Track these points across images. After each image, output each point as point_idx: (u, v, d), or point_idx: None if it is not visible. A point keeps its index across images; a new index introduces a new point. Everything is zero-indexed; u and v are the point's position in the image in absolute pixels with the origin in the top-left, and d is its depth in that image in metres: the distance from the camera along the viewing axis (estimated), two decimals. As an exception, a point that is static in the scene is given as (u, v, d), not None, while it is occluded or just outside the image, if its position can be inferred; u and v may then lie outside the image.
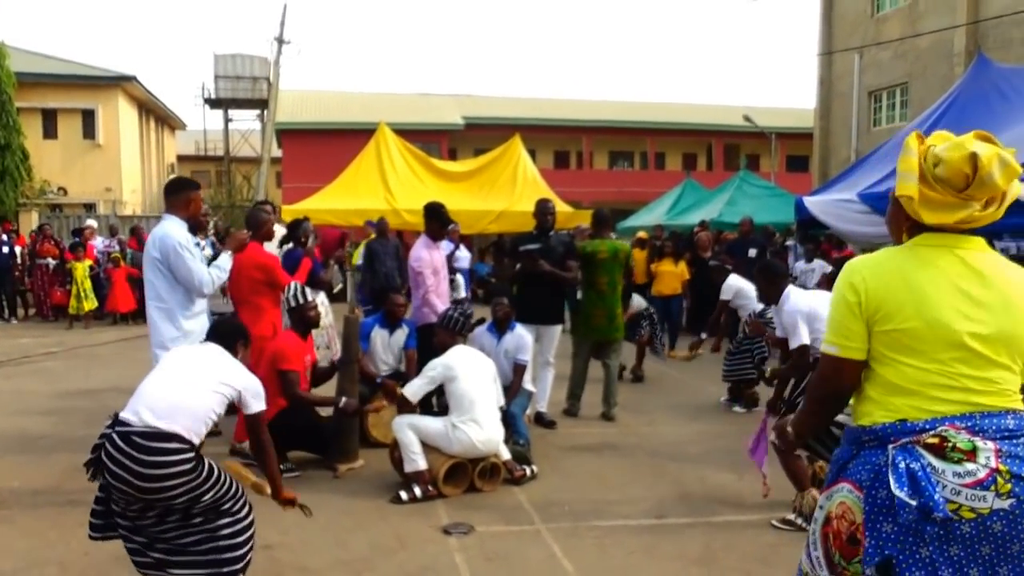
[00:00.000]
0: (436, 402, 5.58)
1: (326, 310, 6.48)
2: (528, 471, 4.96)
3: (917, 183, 1.87)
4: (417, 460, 4.60)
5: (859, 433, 1.95)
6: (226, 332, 3.46)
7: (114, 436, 2.91)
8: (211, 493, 2.94)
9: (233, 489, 3.05)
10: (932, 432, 1.81)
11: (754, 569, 3.71)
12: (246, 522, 3.07)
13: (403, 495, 4.53)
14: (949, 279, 1.87)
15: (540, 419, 6.35)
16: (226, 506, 3.00)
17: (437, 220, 5.95)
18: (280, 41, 22.59)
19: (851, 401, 2.04)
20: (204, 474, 2.92)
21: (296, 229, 6.54)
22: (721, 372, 7.32)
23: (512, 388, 5.60)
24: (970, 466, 1.76)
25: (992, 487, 1.74)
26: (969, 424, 1.81)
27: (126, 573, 3.53)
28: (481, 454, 4.72)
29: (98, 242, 14.09)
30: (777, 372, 4.98)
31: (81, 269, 12.59)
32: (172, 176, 5.99)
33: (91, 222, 15.58)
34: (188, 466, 2.88)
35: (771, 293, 4.76)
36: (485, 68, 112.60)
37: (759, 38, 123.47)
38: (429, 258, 5.82)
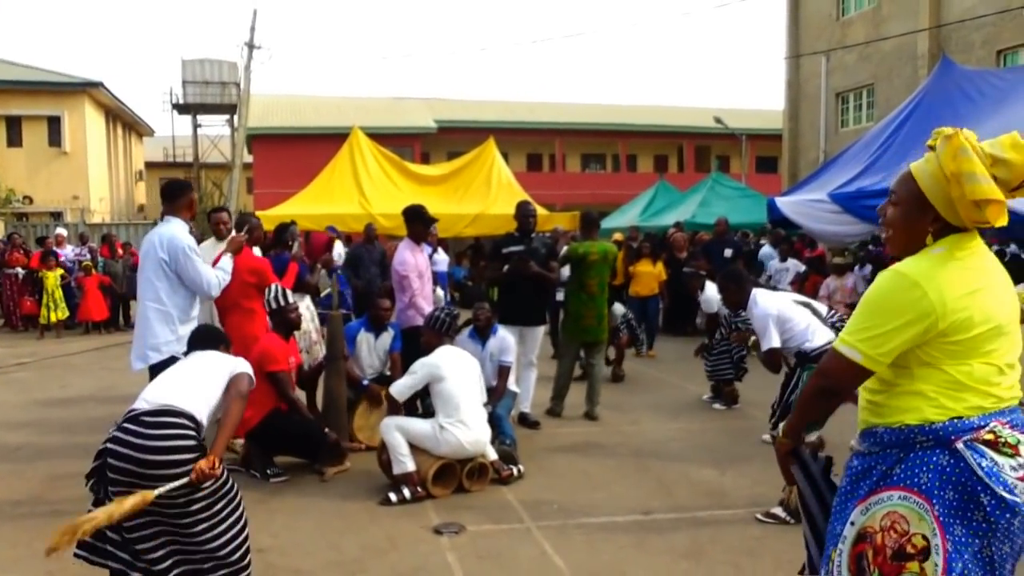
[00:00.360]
0: (421, 404, 5.60)
1: (312, 314, 6.46)
2: (515, 471, 5.00)
3: (992, 183, 1.79)
4: (405, 462, 4.62)
5: (908, 433, 1.84)
6: (208, 338, 3.52)
7: (121, 425, 2.94)
8: (213, 482, 2.92)
9: (232, 491, 3.05)
10: (987, 428, 1.79)
11: (742, 561, 3.78)
12: (238, 528, 3.04)
13: (392, 497, 4.54)
14: (989, 280, 1.88)
15: (524, 420, 6.39)
16: (219, 506, 2.97)
17: (420, 222, 5.97)
18: (251, 46, 22.40)
19: (867, 400, 1.97)
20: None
21: (283, 233, 6.53)
22: (704, 371, 7.45)
23: (497, 390, 5.65)
24: (1020, 459, 1.77)
25: None
26: (1010, 420, 1.82)
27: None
28: (469, 455, 4.75)
29: (68, 250, 13.88)
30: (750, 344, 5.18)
31: (52, 278, 12.39)
32: (168, 180, 5.90)
33: (60, 230, 15.33)
34: (192, 443, 2.91)
35: (737, 298, 4.84)
36: (457, 72, 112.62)
37: (728, 41, 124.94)
38: (414, 261, 5.84)
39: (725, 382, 7.17)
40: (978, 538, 1.73)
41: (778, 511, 4.26)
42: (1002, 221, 1.79)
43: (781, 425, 2.27)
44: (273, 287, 5.26)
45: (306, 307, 6.17)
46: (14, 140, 25.80)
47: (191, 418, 2.96)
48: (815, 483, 2.15)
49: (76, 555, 3.03)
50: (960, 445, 1.76)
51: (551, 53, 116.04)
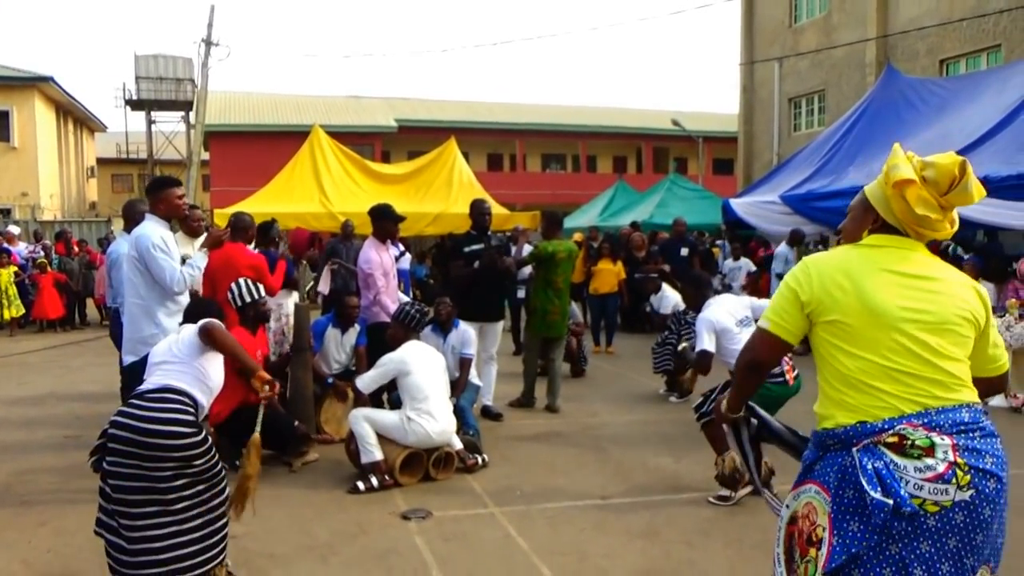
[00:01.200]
0: (387, 398, 5.75)
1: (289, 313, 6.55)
2: (480, 460, 5.17)
3: (910, 169, 2.00)
4: (373, 451, 4.76)
5: (823, 437, 2.03)
6: (200, 312, 3.64)
7: (125, 404, 3.13)
8: (203, 460, 3.06)
9: (220, 475, 3.19)
10: (891, 431, 1.89)
11: (694, 540, 4.02)
12: (216, 514, 3.16)
13: (360, 485, 4.68)
14: (892, 273, 1.99)
15: (487, 412, 6.56)
16: (201, 487, 3.09)
17: (389, 220, 6.10)
18: (208, 43, 22.15)
19: (815, 408, 2.12)
20: (203, 436, 3.10)
21: (268, 231, 6.62)
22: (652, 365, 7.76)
23: (459, 382, 5.82)
24: (929, 461, 1.84)
25: (952, 480, 1.82)
26: (925, 421, 1.89)
27: (90, 567, 3.62)
28: (436, 444, 4.91)
29: (22, 248, 13.64)
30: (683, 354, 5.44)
31: (5, 275, 12.18)
32: (155, 176, 5.83)
33: (13, 228, 15.03)
34: (190, 418, 3.10)
35: (696, 301, 5.02)
36: (418, 72, 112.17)
37: (685, 46, 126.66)
38: (379, 259, 5.96)
39: (679, 372, 7.46)
40: (876, 535, 1.84)
41: (724, 493, 4.52)
42: (923, 210, 1.97)
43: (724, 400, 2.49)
44: (241, 282, 5.28)
45: (294, 303, 6.26)
46: (-39, 135, 25.13)
47: (190, 396, 3.18)
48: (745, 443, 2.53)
49: (95, 531, 3.16)
50: (855, 450, 1.90)
51: (512, 55, 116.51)
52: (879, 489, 1.82)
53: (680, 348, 5.42)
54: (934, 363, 1.93)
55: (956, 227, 2.05)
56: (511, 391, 7.16)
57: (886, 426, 1.90)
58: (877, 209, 2.08)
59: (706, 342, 4.66)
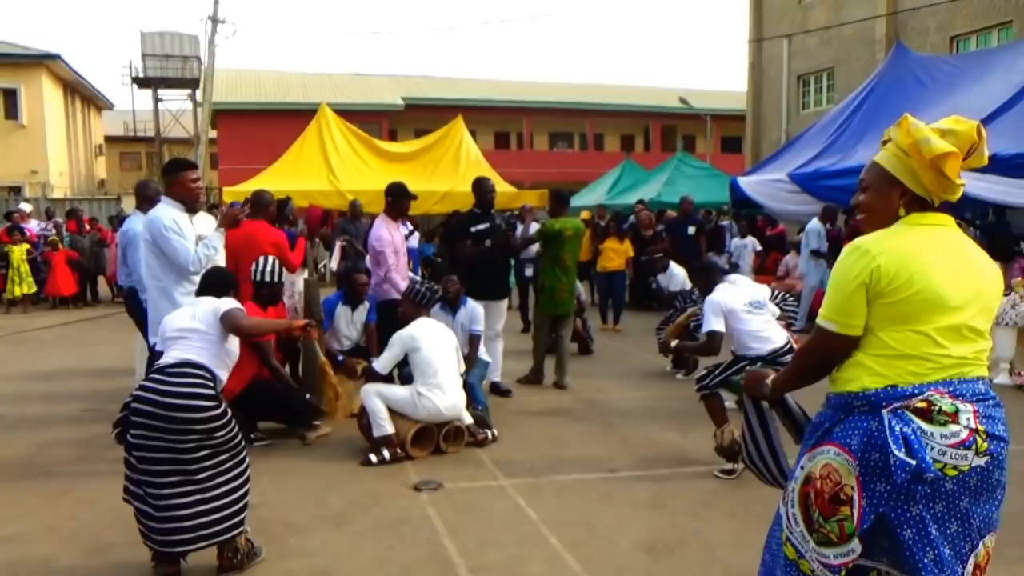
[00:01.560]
0: (398, 374, 5.83)
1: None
2: (489, 434, 5.27)
3: (944, 141, 1.99)
4: (385, 426, 4.86)
5: (847, 399, 2.05)
6: (216, 283, 3.77)
7: (147, 378, 3.23)
8: (224, 431, 3.19)
9: (240, 445, 3.31)
10: (920, 397, 1.95)
11: (699, 511, 4.11)
12: (238, 482, 3.28)
13: (372, 458, 4.79)
14: (949, 256, 2.04)
15: (496, 389, 6.65)
16: (223, 457, 3.21)
17: (408, 198, 6.17)
18: (214, 20, 22.10)
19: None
20: (222, 409, 3.22)
21: (282, 209, 6.69)
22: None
23: (468, 358, 5.89)
24: (954, 428, 1.92)
25: (972, 446, 1.92)
26: (951, 389, 1.97)
27: (113, 533, 3.74)
28: (446, 419, 5.01)
29: (33, 225, 13.75)
30: (681, 347, 5.49)
31: (18, 253, 12.30)
32: (171, 159, 5.84)
33: (25, 206, 15.14)
34: (211, 391, 3.21)
35: (708, 288, 5.01)
36: (425, 50, 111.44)
37: (694, 23, 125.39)
38: (390, 237, 6.02)
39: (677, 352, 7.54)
40: (901, 495, 1.92)
41: (729, 466, 4.61)
42: (956, 178, 2.02)
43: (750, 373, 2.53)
44: (269, 259, 5.33)
45: (303, 279, 6.37)
46: (-31, 113, 25.21)
47: (209, 370, 3.29)
48: (764, 424, 2.54)
49: (124, 499, 3.30)
50: (885, 412, 1.95)
51: (519, 32, 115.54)
52: (903, 450, 1.89)
53: (674, 345, 5.42)
54: (971, 341, 2.02)
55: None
56: (519, 368, 7.25)
57: (915, 391, 1.96)
58: (904, 182, 2.07)
59: (714, 323, 4.70)
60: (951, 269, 2.01)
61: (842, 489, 1.98)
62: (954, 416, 1.92)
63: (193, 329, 3.42)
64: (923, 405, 1.93)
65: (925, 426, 1.92)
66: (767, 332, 4.76)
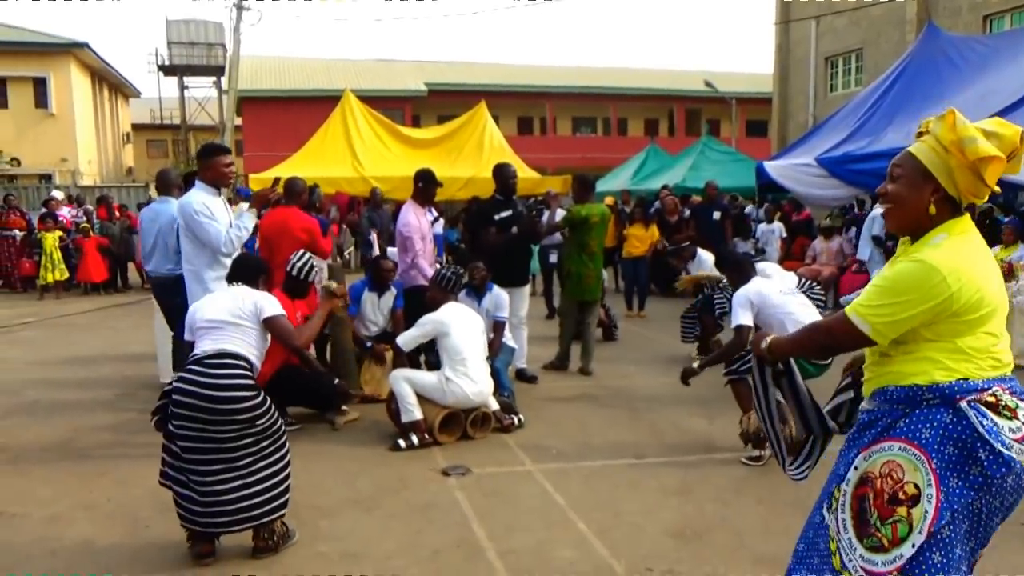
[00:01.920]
0: (425, 359, 5.88)
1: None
2: (516, 420, 5.30)
3: (990, 143, 1.96)
4: (413, 411, 4.91)
5: (915, 392, 2.00)
6: (248, 269, 3.83)
7: (186, 368, 3.28)
8: (265, 419, 3.27)
9: (281, 430, 3.39)
10: (989, 391, 1.95)
11: (727, 497, 4.11)
12: (279, 467, 3.38)
13: (401, 443, 4.84)
14: (988, 260, 2.05)
15: (522, 375, 6.68)
16: (265, 443, 3.29)
17: (435, 184, 6.20)
18: (239, 7, 22.19)
19: (876, 364, 2.11)
20: (262, 397, 3.30)
21: (310, 196, 6.75)
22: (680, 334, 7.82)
23: (493, 344, 5.91)
24: (1016, 423, 1.92)
25: None
26: (1009, 386, 1.99)
27: (148, 513, 3.83)
28: (474, 405, 5.04)
29: (65, 212, 13.99)
30: (705, 364, 5.01)
31: (51, 239, 12.52)
32: (205, 143, 5.87)
33: (57, 193, 15.39)
34: (251, 381, 3.28)
35: (740, 282, 4.94)
36: (448, 35, 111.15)
37: (719, 5, 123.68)
38: (418, 223, 6.05)
39: (710, 333, 7.52)
40: (973, 491, 1.89)
41: (756, 453, 4.60)
42: (994, 183, 1.99)
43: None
44: (306, 256, 5.24)
45: (327, 264, 6.45)
46: (0, 102, 25.59)
47: (247, 360, 3.35)
48: (765, 390, 2.47)
49: (160, 483, 3.38)
50: (964, 404, 1.92)
51: (542, 16, 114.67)
52: (1001, 444, 1.87)
53: (697, 366, 5.26)
54: (1001, 331, 2.04)
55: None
56: (544, 354, 7.26)
57: (985, 385, 1.95)
58: (939, 179, 2.02)
59: (742, 317, 4.66)
60: (991, 270, 2.03)
61: (902, 487, 1.92)
62: (1015, 412, 1.92)
63: (230, 322, 3.47)
64: (992, 399, 1.93)
65: (997, 419, 1.91)
66: (804, 315, 4.73)
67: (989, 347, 1.99)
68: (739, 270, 5.05)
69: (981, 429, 1.87)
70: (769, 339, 2.37)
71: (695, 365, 5.08)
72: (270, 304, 3.61)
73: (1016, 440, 1.89)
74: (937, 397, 1.96)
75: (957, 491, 1.89)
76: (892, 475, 1.95)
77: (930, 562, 1.90)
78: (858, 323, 2.02)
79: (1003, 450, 1.85)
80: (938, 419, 1.93)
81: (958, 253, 1.99)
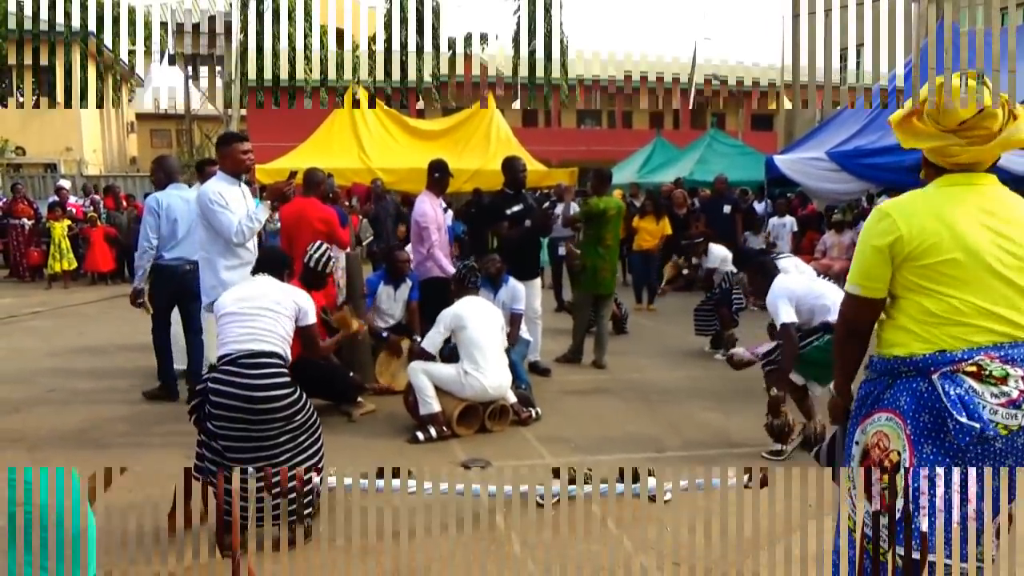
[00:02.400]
0: (442, 351, 5.85)
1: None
2: (533, 413, 5.29)
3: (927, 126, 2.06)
4: (432, 403, 4.90)
5: (895, 363, 2.06)
6: (273, 262, 3.89)
7: (221, 368, 3.28)
8: (303, 415, 3.28)
9: (316, 423, 3.43)
10: (970, 361, 1.96)
11: (750, 492, 4.09)
12: (317, 457, 3.44)
13: (420, 435, 4.83)
14: (976, 212, 2.01)
15: (535, 368, 6.65)
16: (303, 437, 3.33)
17: (449, 175, 6.17)
18: (245, -5, 22.11)
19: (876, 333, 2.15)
20: (298, 392, 3.34)
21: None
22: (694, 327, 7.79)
23: (510, 337, 5.89)
24: (1004, 388, 1.93)
25: (1023, 405, 1.93)
26: (1001, 354, 1.97)
27: (169, 501, 3.80)
28: (491, 398, 5.03)
29: (74, 201, 13.98)
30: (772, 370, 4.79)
31: (59, 229, 12.51)
32: (223, 133, 5.83)
33: (64, 183, 15.37)
34: (287, 379, 3.32)
35: (765, 286, 4.83)
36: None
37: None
38: (434, 214, 6.03)
39: (724, 326, 7.50)
40: (949, 457, 1.95)
41: (777, 447, 4.59)
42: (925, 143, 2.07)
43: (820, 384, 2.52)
44: (324, 248, 5.19)
45: (344, 253, 6.43)
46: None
47: (281, 357, 3.38)
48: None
49: (195, 475, 3.36)
50: (935, 377, 1.96)
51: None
52: (964, 414, 1.90)
53: (730, 354, 5.25)
54: (1014, 302, 2.00)
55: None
56: (555, 347, 7.25)
57: (965, 356, 1.97)
58: (918, 145, 2.11)
59: (784, 314, 4.51)
60: (987, 226, 1.99)
61: (887, 455, 2.00)
62: (1003, 380, 1.93)
63: (269, 308, 3.49)
64: (973, 369, 1.94)
65: (977, 385, 1.93)
66: (832, 294, 4.65)
67: (968, 313, 1.98)
68: (764, 273, 4.96)
69: (945, 400, 1.92)
70: (830, 401, 2.41)
71: (745, 355, 5.08)
72: (312, 312, 3.72)
73: (1001, 405, 1.92)
74: (913, 369, 2.02)
75: (932, 457, 1.95)
76: (880, 444, 2.04)
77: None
78: (850, 290, 2.14)
79: (965, 420, 1.89)
80: (914, 388, 2.00)
81: (922, 198, 2.07)
